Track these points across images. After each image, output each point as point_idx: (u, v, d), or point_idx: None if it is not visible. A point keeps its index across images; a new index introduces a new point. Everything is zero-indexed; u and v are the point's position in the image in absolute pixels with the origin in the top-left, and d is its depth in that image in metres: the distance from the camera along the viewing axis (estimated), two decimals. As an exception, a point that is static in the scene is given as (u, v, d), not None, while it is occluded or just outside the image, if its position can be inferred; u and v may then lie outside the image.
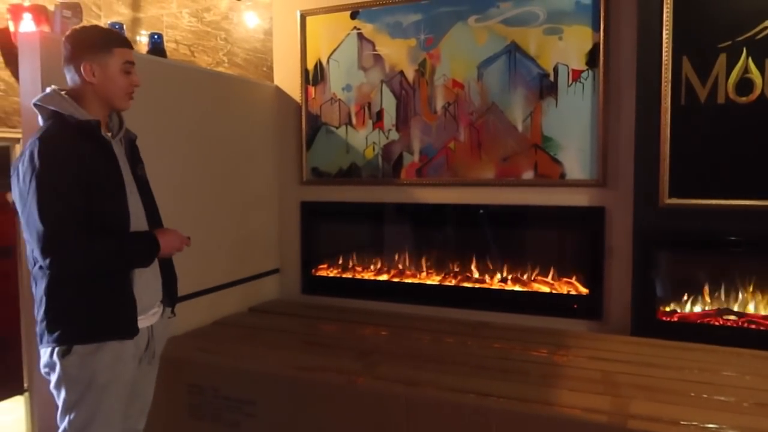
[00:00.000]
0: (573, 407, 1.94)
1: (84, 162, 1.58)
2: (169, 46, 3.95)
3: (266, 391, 2.31)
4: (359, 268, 3.41)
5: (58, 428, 1.68)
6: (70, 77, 1.69)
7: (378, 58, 3.20)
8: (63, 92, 1.67)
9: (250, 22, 3.72)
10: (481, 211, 3.06)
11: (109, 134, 1.72)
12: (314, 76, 3.36)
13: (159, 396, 2.46)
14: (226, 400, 2.38)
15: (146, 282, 1.71)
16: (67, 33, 1.72)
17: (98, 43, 1.67)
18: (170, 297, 1.85)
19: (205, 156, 2.95)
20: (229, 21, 3.79)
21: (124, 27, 2.63)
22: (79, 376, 1.62)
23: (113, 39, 1.70)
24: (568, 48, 2.81)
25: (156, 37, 2.72)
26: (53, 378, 1.65)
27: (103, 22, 4.14)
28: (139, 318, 1.68)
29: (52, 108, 1.63)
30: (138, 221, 1.71)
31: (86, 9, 4.06)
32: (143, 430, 1.93)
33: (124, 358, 1.67)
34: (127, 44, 1.73)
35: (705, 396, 2.02)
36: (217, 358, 2.48)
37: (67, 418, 1.65)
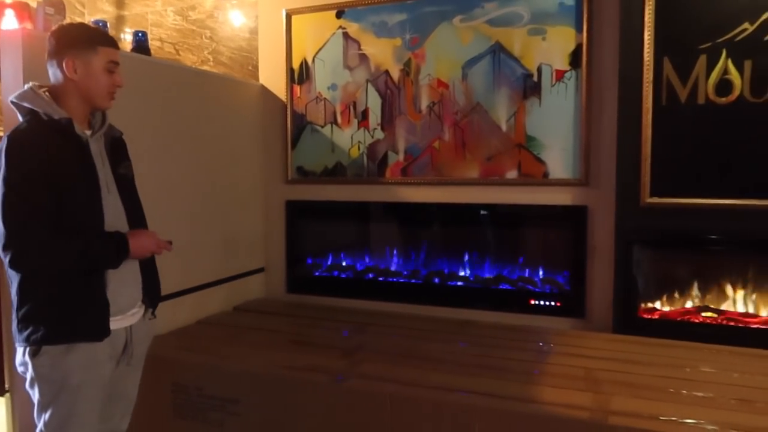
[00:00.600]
0: (555, 404, 1.96)
1: (54, 161, 1.57)
2: (153, 44, 3.93)
3: (250, 389, 2.31)
4: (344, 267, 3.41)
5: (35, 427, 1.67)
6: (53, 73, 1.67)
7: (363, 58, 3.20)
8: (43, 89, 1.66)
9: (236, 20, 3.71)
10: (483, 212, 3.07)
11: (89, 132, 1.70)
12: (300, 75, 3.36)
13: (143, 395, 2.44)
14: (211, 399, 2.37)
15: (123, 282, 1.69)
16: (53, 28, 1.72)
17: (83, 40, 1.66)
18: (151, 298, 1.83)
19: (190, 155, 2.93)
20: (214, 19, 3.77)
21: (108, 25, 2.60)
22: (51, 376, 1.61)
23: (98, 37, 1.69)
24: (552, 48, 2.83)
25: (140, 35, 2.70)
26: (27, 377, 1.65)
27: (87, 19, 4.10)
28: (114, 319, 1.67)
29: (27, 105, 1.62)
30: (116, 221, 1.69)
31: (70, 6, 4.03)
32: (127, 430, 1.93)
33: (98, 359, 1.65)
34: (113, 44, 1.72)
35: (684, 392, 2.05)
36: (201, 357, 2.48)
37: (42, 418, 1.65)
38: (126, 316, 1.72)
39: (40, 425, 1.66)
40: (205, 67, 3.77)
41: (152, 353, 2.38)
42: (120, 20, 4.04)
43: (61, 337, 1.60)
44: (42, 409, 1.65)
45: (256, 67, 3.58)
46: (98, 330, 1.63)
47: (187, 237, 2.92)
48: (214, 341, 2.67)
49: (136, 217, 1.80)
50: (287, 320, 3.09)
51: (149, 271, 1.83)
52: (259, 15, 3.51)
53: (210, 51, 3.79)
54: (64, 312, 1.60)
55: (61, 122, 1.61)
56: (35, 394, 1.65)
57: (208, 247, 3.10)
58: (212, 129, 3.10)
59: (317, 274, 3.45)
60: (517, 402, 1.98)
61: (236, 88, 3.34)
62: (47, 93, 1.65)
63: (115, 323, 1.68)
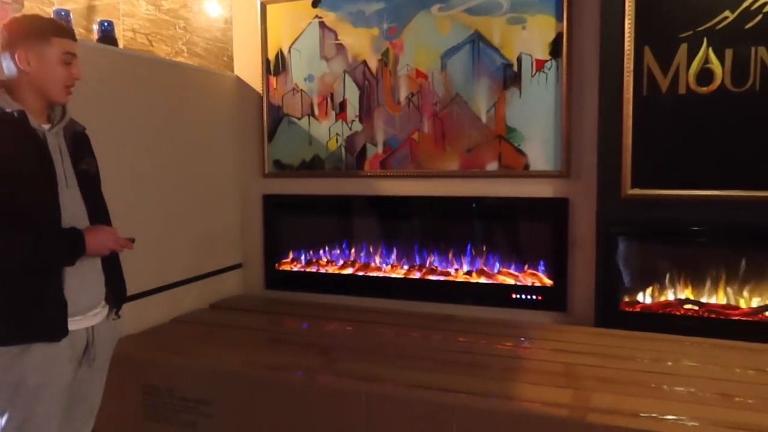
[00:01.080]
0: (534, 401, 1.91)
1: (6, 155, 1.50)
2: (126, 35, 3.82)
3: (223, 390, 2.24)
4: (323, 262, 3.35)
5: None
6: (6, 65, 1.61)
7: (340, 48, 3.13)
8: None
9: (210, 10, 3.61)
10: (463, 205, 3.00)
11: (47, 126, 1.63)
12: (275, 66, 3.28)
13: (112, 397, 2.37)
14: (183, 400, 2.30)
15: (82, 281, 1.62)
16: (6, 20, 1.64)
17: (35, 32, 1.59)
18: (115, 297, 1.76)
19: (162, 149, 2.85)
20: (188, 9, 3.67)
21: (71, 15, 2.50)
22: (6, 379, 1.54)
23: (52, 28, 1.62)
24: (532, 37, 2.77)
25: (106, 24, 2.60)
26: None
27: (53, 9, 3.98)
28: (74, 319, 1.59)
29: None
30: (75, 217, 1.62)
31: (39, -5, 3.91)
32: (96, 433, 1.86)
33: (56, 360, 1.58)
34: (68, 34, 1.64)
35: (665, 387, 2.02)
36: (172, 357, 2.40)
37: (2, 422, 1.57)
38: (87, 317, 1.65)
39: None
40: (179, 59, 3.67)
41: (122, 353, 2.31)
42: (91, 10, 3.92)
43: (14, 339, 1.53)
44: (0, 413, 1.57)
45: (231, 58, 3.48)
46: (55, 330, 1.56)
47: (160, 233, 2.85)
48: (188, 340, 2.60)
49: (97, 213, 1.72)
50: (264, 317, 3.02)
51: (113, 269, 1.76)
52: (233, 4, 3.41)
53: (184, 42, 3.69)
54: (18, 312, 1.53)
55: (14, 115, 1.54)
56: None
57: (183, 243, 3.02)
58: (185, 122, 3.01)
59: (296, 269, 3.38)
60: (495, 399, 1.94)
61: (210, 80, 3.25)
62: (1, 87, 1.58)
63: (75, 323, 1.61)
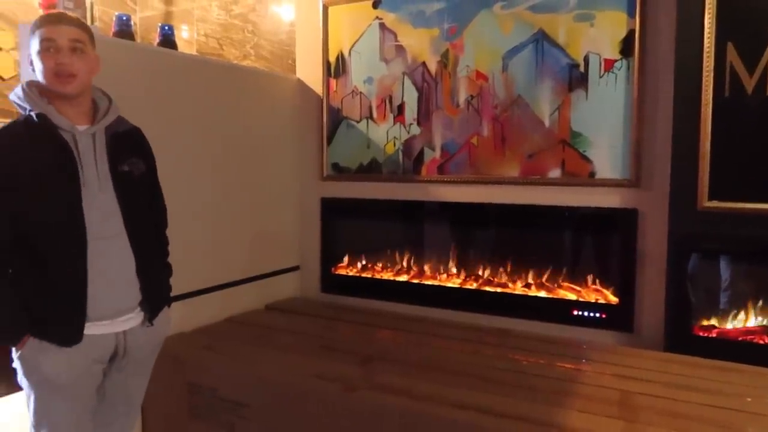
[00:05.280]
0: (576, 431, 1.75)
1: (19, 161, 1.53)
2: (199, 39, 3.94)
3: (258, 394, 2.23)
4: (379, 268, 3.28)
5: None
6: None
7: (400, 50, 3.05)
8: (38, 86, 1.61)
9: (277, 14, 3.65)
10: (523, 213, 2.83)
11: (85, 126, 1.63)
12: (336, 69, 3.25)
13: (161, 394, 2.45)
14: (223, 401, 2.31)
15: (109, 286, 1.61)
16: None
17: (30, 31, 1.59)
18: (150, 305, 1.73)
19: (223, 150, 2.90)
20: (256, 13, 3.73)
21: (131, 19, 2.58)
22: (30, 364, 1.59)
23: (37, 22, 1.59)
24: (601, 36, 2.58)
25: (166, 28, 2.67)
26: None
27: (138, 16, 4.18)
28: (100, 323, 1.60)
29: (17, 102, 1.60)
30: (104, 221, 1.61)
31: (122, 3, 4.12)
32: (144, 429, 1.89)
33: (72, 362, 1.59)
34: (47, 21, 1.58)
35: (737, 426, 1.78)
36: (217, 357, 2.42)
37: (29, 408, 1.64)
38: (116, 322, 1.65)
39: (30, 414, 1.65)
40: (246, 62, 3.74)
41: (170, 351, 2.36)
42: (168, 16, 4.07)
43: (33, 332, 1.58)
44: (27, 398, 1.64)
45: (296, 61, 3.50)
46: (66, 337, 1.57)
47: (219, 232, 2.89)
48: (236, 341, 2.61)
49: (133, 217, 1.68)
50: (315, 321, 2.99)
51: (150, 275, 1.73)
52: (297, 7, 3.43)
53: (252, 45, 3.75)
54: (37, 310, 1.57)
55: (33, 117, 1.56)
56: (23, 384, 1.65)
57: (241, 244, 3.06)
58: (246, 124, 3.05)
59: (351, 274, 3.34)
60: (533, 426, 1.78)
61: (272, 82, 3.28)
62: (33, 86, 1.61)
63: (100, 327, 1.61)
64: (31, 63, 1.60)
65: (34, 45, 1.57)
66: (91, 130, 1.63)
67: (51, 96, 1.59)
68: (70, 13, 1.69)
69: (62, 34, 1.56)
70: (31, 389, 1.62)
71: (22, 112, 1.61)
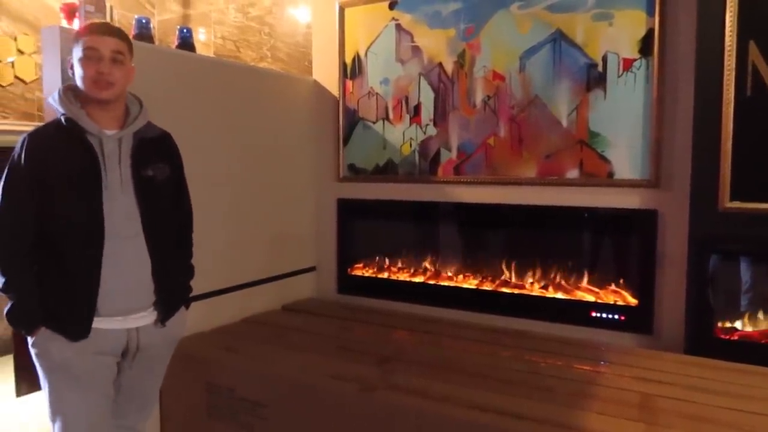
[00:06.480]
0: (597, 434, 1.73)
1: (52, 160, 1.58)
2: (216, 42, 3.98)
3: (276, 394, 2.24)
4: (395, 269, 3.28)
5: None
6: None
7: (416, 50, 3.05)
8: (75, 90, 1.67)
9: (293, 16, 3.67)
10: (541, 214, 2.81)
11: (114, 131, 1.67)
12: (352, 70, 3.26)
13: (180, 394, 2.47)
14: (242, 401, 2.33)
15: (122, 283, 1.65)
16: None
17: (73, 37, 1.66)
18: (163, 306, 1.76)
19: (240, 151, 2.91)
20: (272, 15, 3.76)
21: (151, 22, 2.61)
22: (41, 353, 1.64)
23: (81, 30, 1.67)
24: (619, 35, 2.55)
25: (185, 31, 2.70)
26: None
27: (157, 19, 4.22)
28: (112, 318, 1.64)
29: (52, 104, 1.65)
30: (124, 223, 1.65)
31: (140, 6, 4.16)
32: (162, 428, 1.91)
33: (82, 353, 1.63)
34: (91, 31, 1.64)
35: (759, 430, 1.75)
36: (234, 357, 2.43)
37: (45, 395, 1.68)
38: (129, 318, 1.68)
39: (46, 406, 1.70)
40: (263, 64, 3.76)
41: (188, 351, 2.39)
42: (186, 19, 4.11)
43: (47, 324, 1.63)
44: (42, 386, 1.69)
45: (312, 63, 3.51)
46: (74, 333, 1.62)
47: (236, 233, 2.91)
48: (253, 341, 2.62)
49: (152, 220, 1.71)
50: (331, 322, 3.00)
51: (167, 278, 1.76)
52: (313, 9, 3.44)
53: (268, 47, 3.78)
54: (49, 303, 1.63)
55: (61, 120, 1.63)
56: (39, 373, 1.69)
57: (258, 244, 3.08)
58: (263, 125, 3.06)
59: (367, 275, 3.34)
60: (552, 428, 1.77)
61: (288, 84, 3.29)
62: (69, 90, 1.67)
63: (111, 323, 1.65)
64: (71, 67, 1.65)
65: (77, 51, 1.62)
66: (118, 134, 1.67)
67: (86, 100, 1.65)
68: (114, 24, 1.76)
69: (106, 44, 1.62)
70: (45, 378, 1.66)
71: (58, 115, 1.66)
